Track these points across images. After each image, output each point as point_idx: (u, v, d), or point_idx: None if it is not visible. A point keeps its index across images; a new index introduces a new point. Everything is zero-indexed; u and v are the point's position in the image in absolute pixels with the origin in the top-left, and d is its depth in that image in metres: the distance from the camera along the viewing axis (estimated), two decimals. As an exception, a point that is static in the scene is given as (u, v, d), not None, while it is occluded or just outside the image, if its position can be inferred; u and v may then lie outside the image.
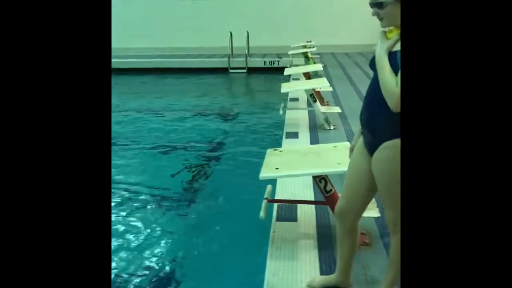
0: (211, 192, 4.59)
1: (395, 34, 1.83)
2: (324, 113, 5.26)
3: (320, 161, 2.63)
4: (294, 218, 3.12)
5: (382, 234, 2.84)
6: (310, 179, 3.67)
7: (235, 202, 4.26)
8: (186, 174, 5.17)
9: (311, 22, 13.07)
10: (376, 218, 2.92)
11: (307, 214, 3.17)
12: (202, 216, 4.08)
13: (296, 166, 2.63)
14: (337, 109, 5.28)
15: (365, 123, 1.99)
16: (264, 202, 2.83)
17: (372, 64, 1.92)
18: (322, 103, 6.04)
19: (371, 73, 1.96)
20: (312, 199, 3.41)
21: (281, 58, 12.02)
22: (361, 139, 2.09)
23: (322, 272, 2.49)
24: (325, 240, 2.82)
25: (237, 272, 3.09)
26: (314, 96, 5.25)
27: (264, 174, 2.56)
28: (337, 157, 2.67)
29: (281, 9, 13.44)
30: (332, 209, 2.75)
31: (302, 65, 9.23)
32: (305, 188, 3.60)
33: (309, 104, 6.26)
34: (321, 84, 5.25)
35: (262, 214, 2.69)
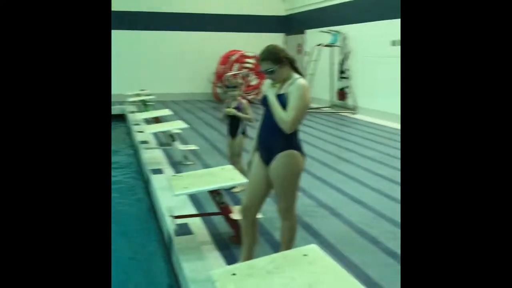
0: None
1: (279, 84, 2.79)
2: (182, 150, 6.01)
3: (217, 179, 3.39)
4: (190, 232, 3.76)
5: (262, 233, 3.71)
6: (188, 200, 4.38)
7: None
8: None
9: (142, 73, 13.77)
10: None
11: (198, 227, 3.84)
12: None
13: (200, 184, 3.32)
14: (194, 146, 6.08)
15: (262, 142, 2.86)
16: (171, 219, 3.42)
17: (264, 102, 2.84)
18: (175, 143, 6.76)
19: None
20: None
21: (112, 106, 12.33)
22: (257, 155, 2.95)
23: (228, 264, 3.20)
24: (221, 243, 3.54)
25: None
26: (173, 136, 5.97)
27: (178, 192, 3.19)
28: (228, 175, 3.48)
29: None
30: (226, 218, 3.53)
31: (137, 111, 9.85)
32: (186, 206, 4.25)
33: (161, 144, 6.94)
34: (180, 125, 6.02)
35: (174, 227, 3.28)
